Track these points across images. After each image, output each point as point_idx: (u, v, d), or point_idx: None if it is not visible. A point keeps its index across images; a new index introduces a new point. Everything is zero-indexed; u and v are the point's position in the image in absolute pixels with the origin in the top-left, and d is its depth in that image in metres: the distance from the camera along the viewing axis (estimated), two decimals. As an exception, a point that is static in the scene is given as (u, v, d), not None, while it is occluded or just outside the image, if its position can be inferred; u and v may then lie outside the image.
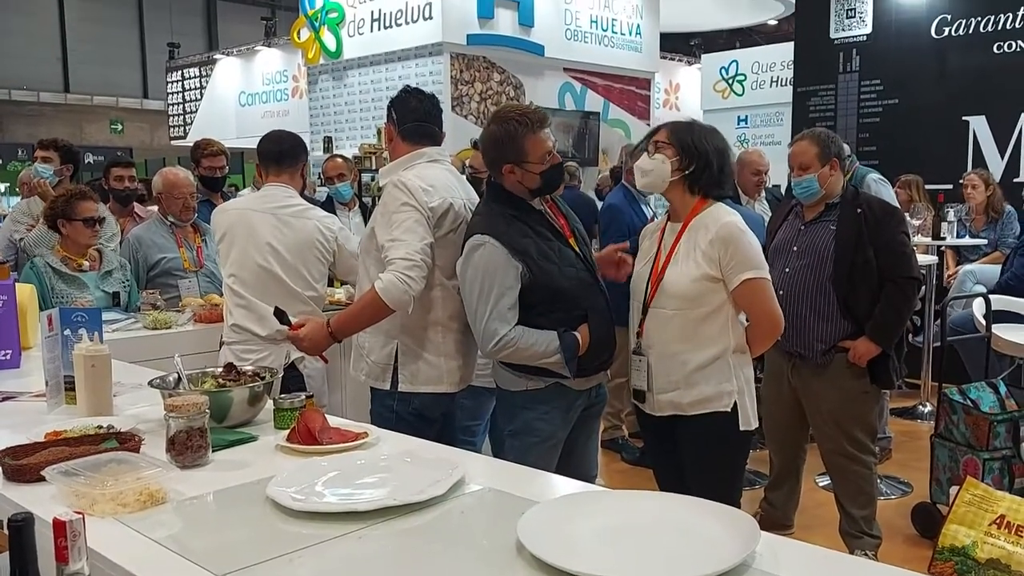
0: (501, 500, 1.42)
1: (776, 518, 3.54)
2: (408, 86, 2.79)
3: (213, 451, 1.63)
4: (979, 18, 6.16)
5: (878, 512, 3.35)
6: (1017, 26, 6.00)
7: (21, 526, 1.00)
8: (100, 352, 1.87)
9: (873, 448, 3.31)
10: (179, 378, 1.89)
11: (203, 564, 1.19)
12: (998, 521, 2.99)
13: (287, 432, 1.71)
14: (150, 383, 1.90)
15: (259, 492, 1.42)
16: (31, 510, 1.15)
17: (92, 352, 1.86)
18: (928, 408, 5.25)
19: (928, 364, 5.29)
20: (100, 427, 1.73)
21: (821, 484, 4.01)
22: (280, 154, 3.13)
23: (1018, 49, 6.02)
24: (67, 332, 1.94)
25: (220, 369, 1.95)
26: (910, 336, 5.71)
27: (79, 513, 1.02)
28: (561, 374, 2.37)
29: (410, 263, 2.32)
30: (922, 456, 3.61)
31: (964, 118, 6.23)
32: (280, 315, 2.46)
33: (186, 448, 1.55)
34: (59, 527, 1.00)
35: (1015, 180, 5.93)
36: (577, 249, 2.50)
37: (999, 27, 6.08)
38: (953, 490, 3.12)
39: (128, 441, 1.61)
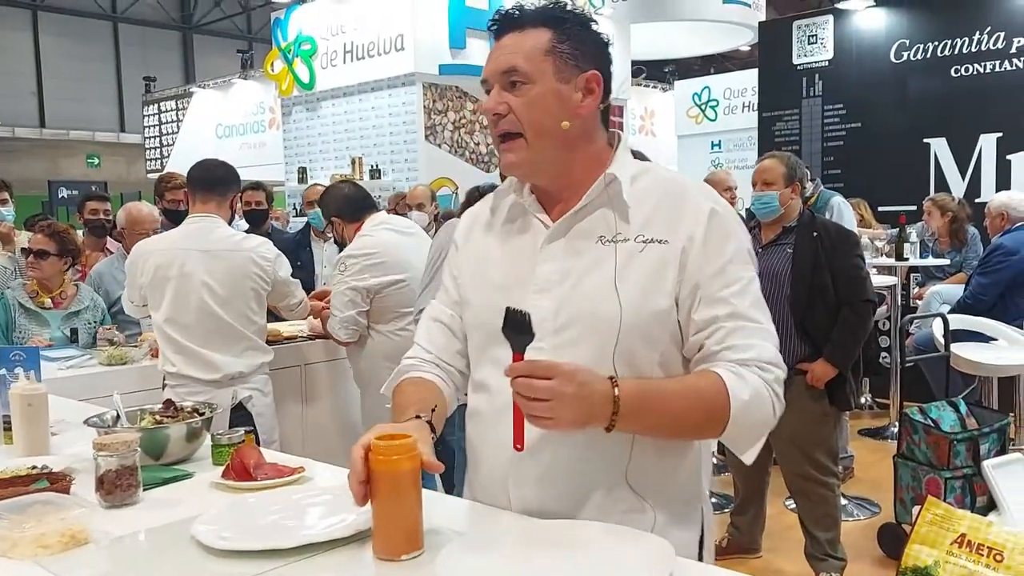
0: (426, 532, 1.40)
1: (743, 542, 3.54)
2: None
3: (147, 489, 1.61)
4: (936, 43, 6.29)
5: (847, 533, 3.37)
6: (973, 50, 6.14)
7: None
8: (37, 391, 1.86)
9: (836, 470, 3.32)
10: (117, 416, 1.88)
11: (118, 606, 1.17)
12: (959, 540, 3.00)
13: (223, 468, 1.70)
14: (85, 421, 1.88)
15: (187, 530, 1.40)
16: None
17: (28, 391, 1.85)
18: (897, 428, 5.28)
19: (897, 384, 5.33)
20: (34, 467, 1.70)
21: (790, 507, 4.01)
22: (211, 181, 3.03)
23: (975, 73, 6.15)
24: (3, 372, 1.92)
25: (159, 406, 1.93)
26: (879, 358, 5.77)
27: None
28: None
29: (782, 372, 1.33)
30: (891, 476, 3.62)
31: (925, 141, 6.34)
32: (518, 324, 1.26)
33: (115, 487, 1.53)
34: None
35: (976, 201, 6.02)
36: None
37: (956, 51, 6.21)
38: (916, 510, 3.13)
39: (59, 481, 1.59)
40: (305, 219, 5.06)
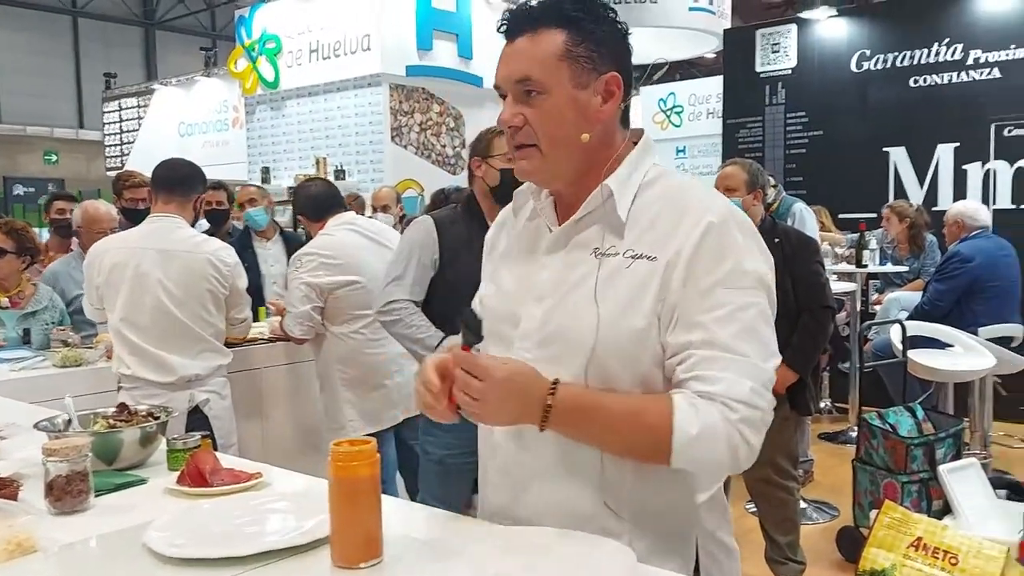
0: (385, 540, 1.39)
1: (703, 546, 3.56)
2: None
3: (99, 495, 1.57)
4: (896, 53, 6.41)
5: (806, 537, 3.41)
6: (931, 61, 6.26)
7: None
8: (-16, 394, 1.80)
9: (795, 474, 3.36)
10: (69, 419, 1.83)
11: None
12: (915, 543, 3.05)
13: (178, 474, 1.66)
14: (35, 425, 1.83)
15: (139, 538, 1.37)
16: None
17: (-25, 394, 1.80)
18: (856, 432, 5.35)
19: (856, 389, 5.40)
20: (-20, 473, 1.66)
21: (750, 510, 4.04)
22: (173, 181, 2.99)
23: (933, 83, 6.27)
24: (-51, 374, 1.87)
25: (113, 409, 1.88)
26: (838, 363, 5.85)
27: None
28: None
29: (759, 413, 1.21)
30: (849, 480, 3.67)
31: (884, 149, 6.45)
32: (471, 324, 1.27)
33: (65, 493, 1.49)
34: None
35: (934, 209, 6.14)
36: None
37: (915, 62, 6.33)
38: (873, 514, 3.18)
39: (6, 487, 1.55)
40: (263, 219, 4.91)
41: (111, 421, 1.83)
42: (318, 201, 3.47)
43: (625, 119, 1.35)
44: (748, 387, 1.17)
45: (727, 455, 1.17)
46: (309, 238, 3.55)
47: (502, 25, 1.31)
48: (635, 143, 1.35)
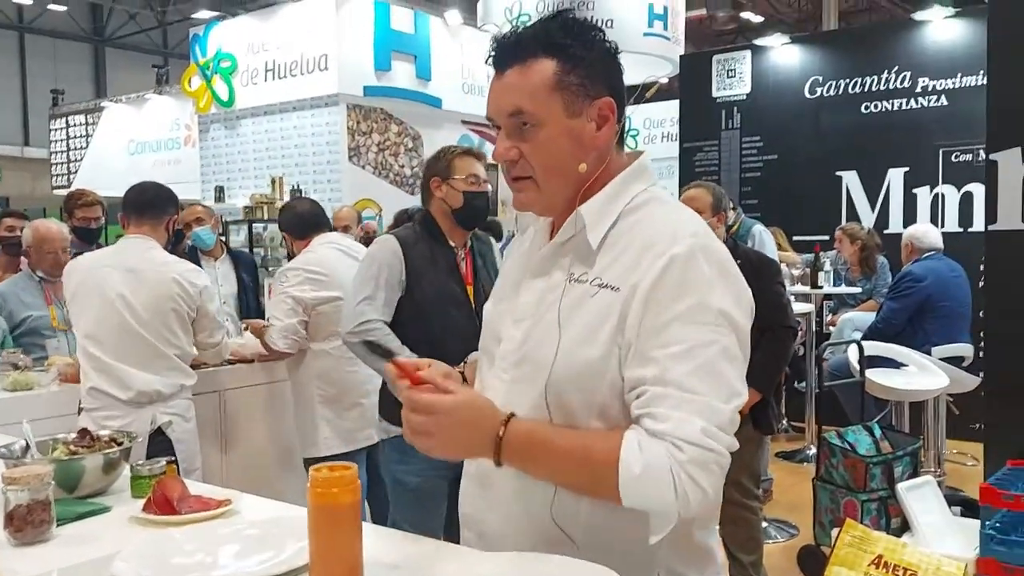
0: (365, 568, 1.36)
1: (668, 567, 3.56)
2: None
3: (60, 524, 1.51)
4: (848, 80, 6.58)
5: (767, 556, 3.42)
6: (881, 88, 6.44)
7: None
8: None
9: (758, 493, 3.39)
10: (27, 446, 1.76)
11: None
12: (876, 561, 3.09)
13: (143, 501, 1.61)
14: (-9, 453, 1.76)
15: (105, 569, 1.32)
16: None
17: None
18: (813, 451, 5.42)
19: (812, 409, 5.48)
20: (-67, 503, 1.58)
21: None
22: (142, 204, 3.01)
23: (883, 110, 6.44)
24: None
25: (73, 435, 1.82)
26: (794, 382, 5.95)
27: None
28: None
29: (710, 455, 1.14)
30: (809, 499, 3.71)
31: (837, 173, 6.60)
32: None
33: (26, 523, 1.43)
34: None
35: (885, 232, 6.29)
36: (472, 298, 2.53)
37: (866, 88, 6.51)
38: (835, 532, 3.22)
39: (-39, 518, 1.48)
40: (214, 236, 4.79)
41: (72, 447, 1.76)
42: (304, 219, 3.54)
43: (621, 141, 1.33)
44: (699, 427, 1.11)
45: (673, 496, 1.11)
46: (291, 256, 3.58)
47: (490, 56, 1.28)
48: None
